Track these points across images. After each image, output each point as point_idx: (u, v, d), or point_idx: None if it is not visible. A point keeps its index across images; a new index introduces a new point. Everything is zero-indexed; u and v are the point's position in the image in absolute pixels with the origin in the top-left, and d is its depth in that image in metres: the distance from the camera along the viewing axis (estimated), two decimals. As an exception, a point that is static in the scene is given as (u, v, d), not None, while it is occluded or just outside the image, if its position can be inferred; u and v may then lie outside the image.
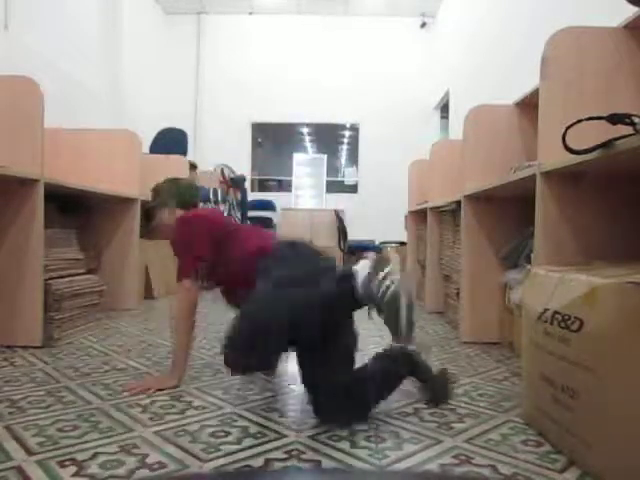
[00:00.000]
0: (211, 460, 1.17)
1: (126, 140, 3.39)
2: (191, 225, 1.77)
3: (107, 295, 2.96)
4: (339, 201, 7.33)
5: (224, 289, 1.77)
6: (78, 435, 1.28)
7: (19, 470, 1.09)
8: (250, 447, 1.24)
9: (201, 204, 4.81)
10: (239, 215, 5.68)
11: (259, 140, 8.45)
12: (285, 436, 1.31)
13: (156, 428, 1.34)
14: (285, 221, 7.00)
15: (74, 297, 2.49)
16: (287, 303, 1.33)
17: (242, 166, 6.87)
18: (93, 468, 1.11)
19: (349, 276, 1.40)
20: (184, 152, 5.21)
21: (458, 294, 2.72)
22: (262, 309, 1.35)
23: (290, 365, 2.11)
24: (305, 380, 1.47)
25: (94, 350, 2.22)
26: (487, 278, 2.52)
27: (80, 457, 1.16)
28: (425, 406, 1.56)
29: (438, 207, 3.27)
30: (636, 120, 1.25)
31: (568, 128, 1.43)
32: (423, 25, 7.30)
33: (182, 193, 2.00)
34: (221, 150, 6.94)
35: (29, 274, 2.22)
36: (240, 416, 1.45)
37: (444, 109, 6.94)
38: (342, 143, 7.88)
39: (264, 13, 7.48)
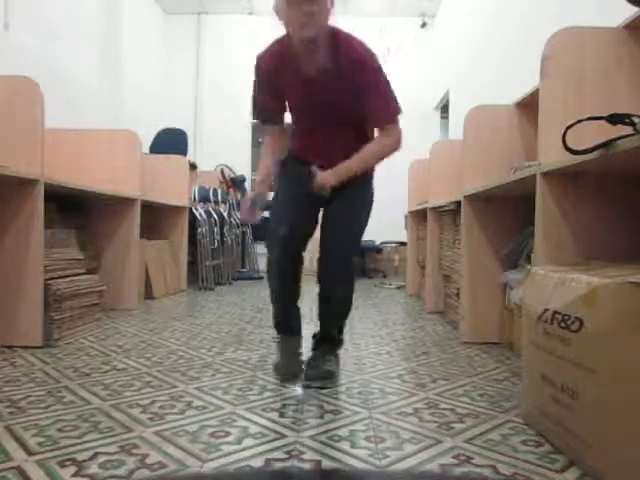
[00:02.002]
0: (211, 460, 1.17)
1: (126, 140, 3.39)
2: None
3: (107, 295, 2.96)
4: (339, 201, 7.33)
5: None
6: (78, 435, 1.28)
7: (19, 470, 1.09)
8: (250, 447, 1.24)
9: (201, 204, 4.85)
10: (239, 215, 5.69)
11: (259, 140, 8.43)
12: (285, 436, 1.31)
13: (156, 428, 1.34)
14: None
15: (74, 297, 2.49)
16: None
17: (242, 166, 6.86)
18: (93, 468, 1.11)
19: None
20: (184, 152, 5.21)
21: (458, 294, 2.72)
22: None
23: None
24: None
25: (94, 350, 2.22)
26: (487, 278, 2.52)
27: (80, 457, 1.16)
28: (425, 406, 1.56)
29: (438, 207, 3.27)
30: (636, 120, 1.25)
31: (568, 128, 1.43)
32: (423, 25, 7.29)
33: None
34: (221, 150, 6.93)
35: (29, 274, 2.22)
36: (240, 416, 1.45)
37: (444, 109, 6.93)
38: (342, 143, 7.89)
39: (264, 13, 7.48)
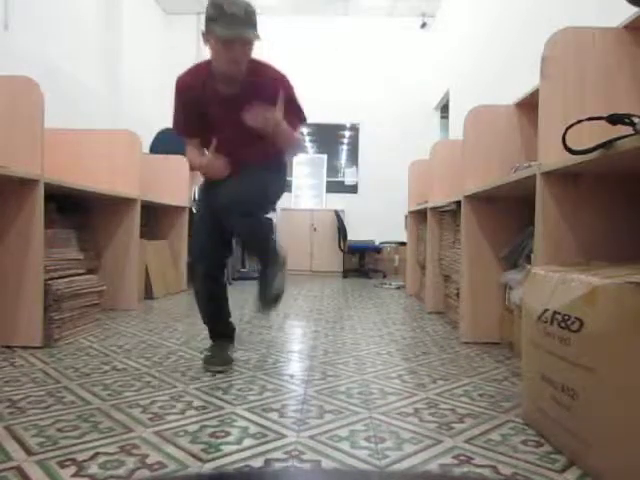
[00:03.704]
0: (211, 460, 1.17)
1: (126, 140, 3.39)
2: None
3: (107, 295, 2.96)
4: (339, 201, 7.33)
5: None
6: (78, 435, 1.28)
7: (19, 470, 1.09)
8: (250, 447, 1.24)
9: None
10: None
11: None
12: (285, 436, 1.31)
13: (156, 428, 1.34)
14: (285, 221, 6.99)
15: (74, 297, 2.49)
16: None
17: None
18: (93, 468, 1.11)
19: None
20: (184, 152, 5.20)
21: (458, 294, 2.72)
22: None
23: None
24: None
25: (94, 350, 2.22)
26: (487, 278, 2.52)
27: (80, 457, 1.16)
28: (425, 406, 1.56)
29: (438, 207, 3.27)
30: (636, 120, 1.25)
31: (568, 128, 1.43)
32: (423, 25, 7.29)
33: None
34: (221, 150, 6.93)
35: (29, 274, 2.22)
36: (240, 416, 1.45)
37: (444, 109, 6.94)
38: (342, 143, 7.87)
39: (263, 13, 7.47)
